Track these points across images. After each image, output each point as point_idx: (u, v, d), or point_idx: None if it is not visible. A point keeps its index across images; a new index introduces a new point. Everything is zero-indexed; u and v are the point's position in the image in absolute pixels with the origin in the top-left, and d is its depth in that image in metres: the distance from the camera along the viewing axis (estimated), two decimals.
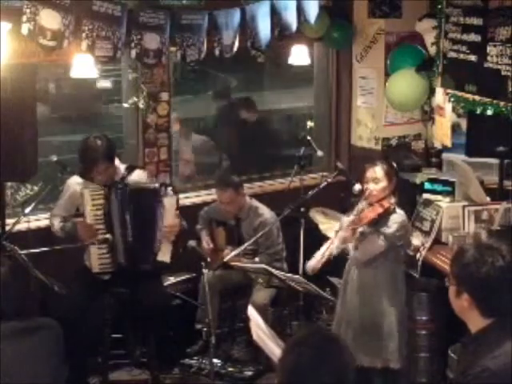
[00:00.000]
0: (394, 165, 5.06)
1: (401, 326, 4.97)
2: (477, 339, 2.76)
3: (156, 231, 5.19)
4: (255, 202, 6.00)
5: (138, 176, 5.38)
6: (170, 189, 5.30)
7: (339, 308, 5.12)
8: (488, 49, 5.25)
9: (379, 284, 4.94)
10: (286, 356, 2.47)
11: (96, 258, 5.16)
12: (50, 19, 4.69)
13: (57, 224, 5.30)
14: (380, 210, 4.82)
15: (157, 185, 5.40)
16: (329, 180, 5.62)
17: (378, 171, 4.90)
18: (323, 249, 5.00)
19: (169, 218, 5.18)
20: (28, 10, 4.62)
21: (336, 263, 5.44)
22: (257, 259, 5.79)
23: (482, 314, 2.72)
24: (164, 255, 5.23)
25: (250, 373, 5.73)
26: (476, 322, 2.75)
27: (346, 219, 4.95)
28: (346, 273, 5.09)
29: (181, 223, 5.29)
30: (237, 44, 5.45)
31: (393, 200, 4.91)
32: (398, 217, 4.90)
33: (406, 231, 5.04)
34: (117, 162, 5.28)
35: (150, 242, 5.19)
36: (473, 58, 5.41)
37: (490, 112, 5.25)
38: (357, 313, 4.97)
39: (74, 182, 5.26)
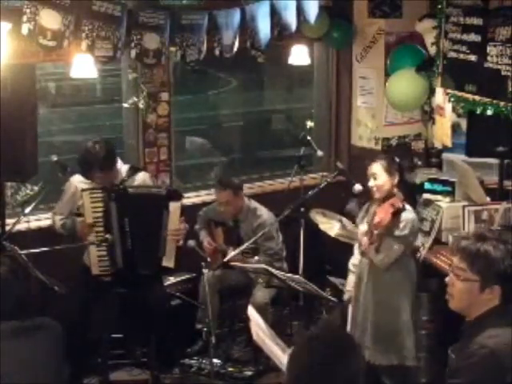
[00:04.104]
0: (396, 159, 5.08)
1: (415, 322, 5.01)
2: (477, 322, 2.82)
3: (160, 236, 5.16)
4: (254, 203, 6.00)
5: (142, 179, 5.35)
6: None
7: (353, 307, 5.13)
8: (488, 49, 5.25)
9: (394, 281, 4.96)
10: (297, 351, 2.43)
11: (96, 261, 5.15)
12: (50, 19, 4.70)
13: (58, 222, 5.31)
14: (391, 210, 4.82)
15: (162, 190, 5.39)
16: (329, 180, 5.64)
17: (375, 167, 4.96)
18: (351, 279, 5.18)
19: (173, 222, 5.17)
20: (28, 10, 4.63)
21: (336, 263, 5.45)
22: (256, 258, 5.79)
23: (502, 302, 2.80)
24: (168, 260, 5.21)
25: (249, 373, 5.74)
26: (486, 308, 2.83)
27: (361, 231, 4.96)
28: (360, 272, 5.10)
29: (185, 227, 5.27)
30: (237, 44, 5.46)
31: (401, 196, 4.93)
32: (408, 214, 4.91)
33: (417, 227, 5.10)
34: (119, 162, 5.26)
35: (152, 248, 5.17)
36: (473, 58, 5.41)
37: (490, 112, 5.25)
38: (373, 312, 4.99)
39: (77, 180, 5.25)
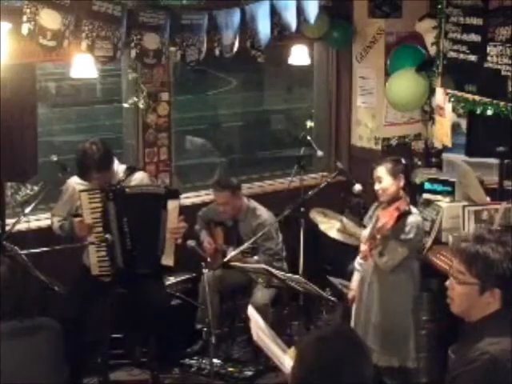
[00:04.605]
0: (403, 161, 5.06)
1: (416, 323, 5.02)
2: (477, 325, 2.79)
3: (158, 235, 5.16)
4: (253, 203, 6.00)
5: (140, 179, 5.35)
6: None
7: (355, 309, 5.13)
8: (488, 49, 5.24)
9: (398, 283, 4.97)
10: (305, 350, 2.38)
11: (96, 261, 5.15)
12: (50, 19, 4.70)
13: (56, 223, 5.30)
14: (396, 214, 4.80)
15: (160, 188, 5.39)
16: (329, 180, 5.64)
17: (379, 170, 4.94)
18: (356, 278, 5.18)
19: (172, 220, 5.17)
20: (28, 10, 4.63)
21: (336, 263, 5.45)
22: (256, 258, 5.79)
23: (503, 306, 2.77)
24: (168, 259, 5.21)
25: (250, 373, 5.73)
26: (488, 311, 2.80)
27: (364, 234, 4.96)
28: (364, 273, 5.09)
29: (184, 225, 5.27)
30: (237, 44, 5.45)
31: (407, 198, 4.92)
32: (414, 218, 4.90)
33: (423, 230, 5.10)
34: (116, 163, 5.26)
35: (150, 247, 5.17)
36: (473, 58, 5.41)
37: (490, 112, 5.24)
38: (375, 312, 4.99)
39: (74, 181, 5.24)
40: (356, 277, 5.23)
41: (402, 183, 4.93)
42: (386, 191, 4.91)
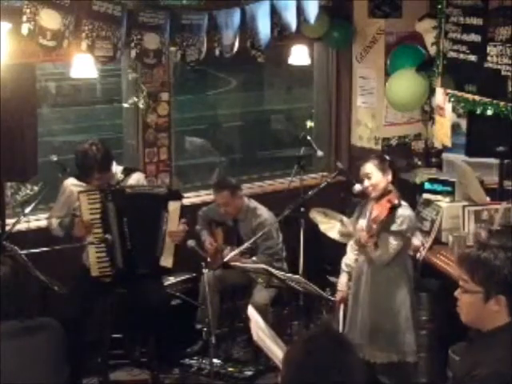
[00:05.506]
0: (387, 157, 5.10)
1: (414, 317, 5.03)
2: (487, 336, 2.76)
3: (158, 236, 5.16)
4: (253, 203, 6.00)
5: (136, 179, 5.34)
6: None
7: (351, 307, 5.13)
8: (488, 49, 5.24)
9: (393, 278, 4.98)
10: (293, 351, 2.38)
11: (95, 262, 5.14)
12: (50, 19, 4.70)
13: (54, 222, 5.27)
14: (388, 206, 4.83)
15: (162, 190, 5.38)
16: (329, 180, 5.64)
17: (367, 167, 4.98)
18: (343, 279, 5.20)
19: (173, 223, 5.17)
20: (28, 10, 4.63)
21: (336, 263, 5.45)
22: (255, 258, 5.79)
23: (509, 314, 2.74)
24: (166, 260, 5.21)
25: (249, 373, 5.73)
26: (498, 323, 2.77)
27: (359, 226, 4.97)
28: (358, 270, 5.10)
29: (185, 228, 5.27)
30: (237, 44, 5.45)
31: (396, 192, 4.94)
32: (404, 210, 4.93)
33: (415, 222, 5.12)
34: (114, 164, 5.25)
35: (150, 247, 5.17)
36: (473, 58, 5.41)
37: (490, 112, 5.24)
38: (372, 309, 4.99)
39: (70, 183, 5.22)
40: (343, 278, 5.24)
41: (390, 178, 4.97)
42: (376, 187, 4.95)
